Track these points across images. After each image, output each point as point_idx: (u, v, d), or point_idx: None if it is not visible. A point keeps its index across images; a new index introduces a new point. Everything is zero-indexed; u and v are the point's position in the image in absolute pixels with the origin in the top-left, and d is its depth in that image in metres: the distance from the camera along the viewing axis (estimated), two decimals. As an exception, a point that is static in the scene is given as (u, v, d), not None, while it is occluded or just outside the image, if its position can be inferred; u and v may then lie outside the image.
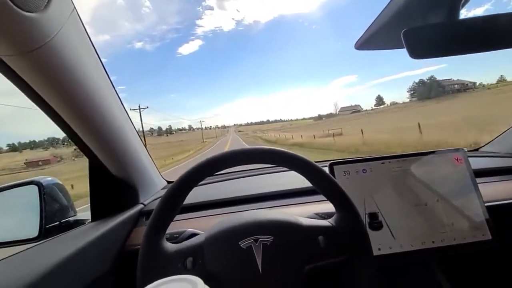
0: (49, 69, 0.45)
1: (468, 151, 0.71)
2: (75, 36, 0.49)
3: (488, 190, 0.70)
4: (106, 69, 0.65)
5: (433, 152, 0.69)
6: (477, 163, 0.73)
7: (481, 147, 1.12)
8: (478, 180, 0.68)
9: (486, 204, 0.66)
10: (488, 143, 1.09)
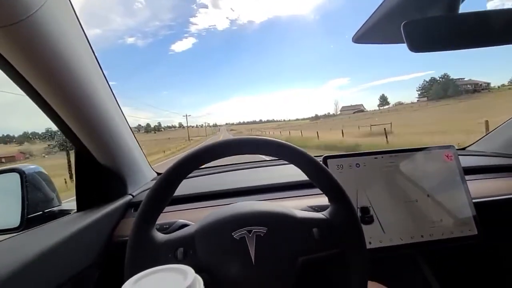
0: (31, 46, 0.42)
1: (456, 150, 0.73)
2: (60, 13, 0.46)
3: (474, 187, 0.72)
4: (95, 53, 0.62)
5: (424, 149, 0.70)
6: (464, 161, 0.75)
7: (467, 146, 1.15)
8: (465, 177, 0.70)
9: (472, 201, 0.68)
10: (475, 142, 1.13)
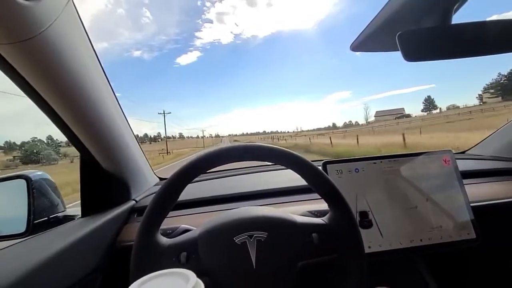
0: (42, 60, 0.44)
1: (455, 153, 0.74)
2: (71, 28, 0.49)
3: (473, 191, 0.73)
4: (102, 65, 0.64)
5: (423, 153, 0.72)
6: (463, 165, 0.76)
7: (467, 150, 1.16)
8: (463, 181, 0.71)
9: (470, 205, 0.69)
10: (474, 146, 1.14)
